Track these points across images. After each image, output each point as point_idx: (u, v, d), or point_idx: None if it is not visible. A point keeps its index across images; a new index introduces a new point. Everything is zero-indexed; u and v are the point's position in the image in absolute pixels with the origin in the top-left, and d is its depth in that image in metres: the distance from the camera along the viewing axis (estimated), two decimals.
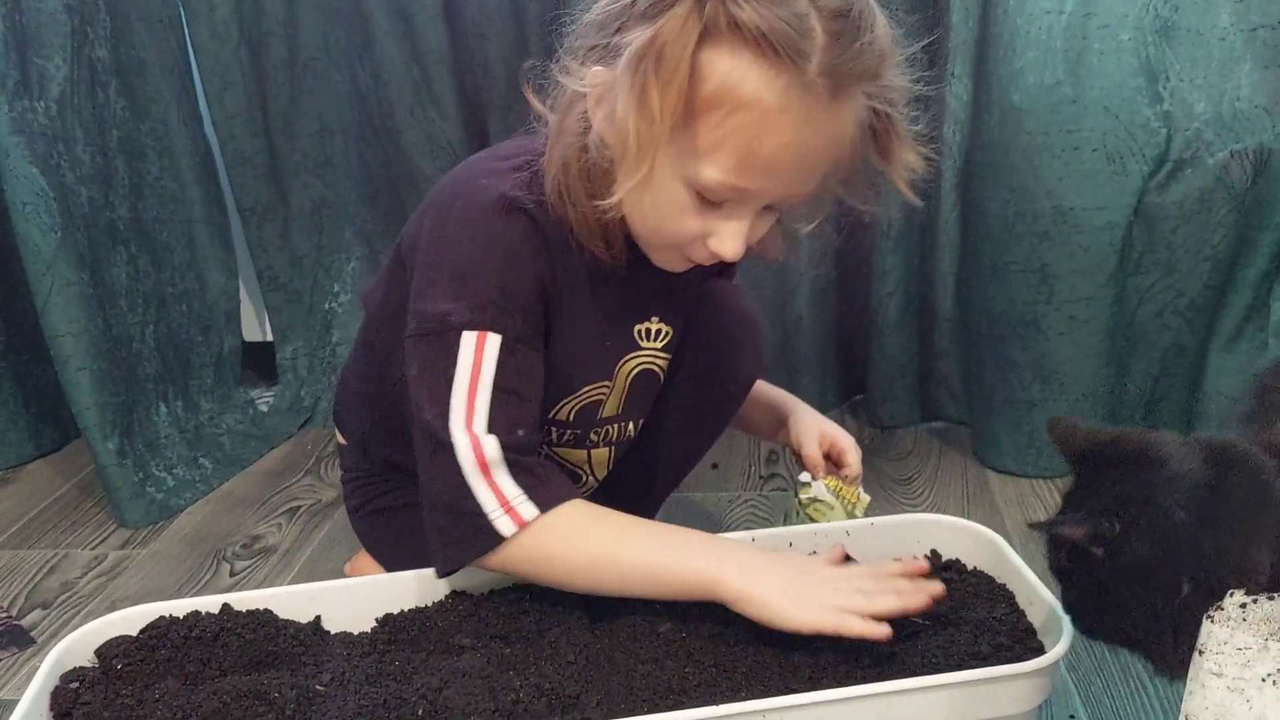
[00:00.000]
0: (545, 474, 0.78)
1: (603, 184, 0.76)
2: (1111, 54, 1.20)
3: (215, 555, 1.28)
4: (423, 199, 0.86)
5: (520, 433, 0.77)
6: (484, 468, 0.75)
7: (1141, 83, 1.21)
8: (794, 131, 0.69)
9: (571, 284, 0.82)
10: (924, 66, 0.76)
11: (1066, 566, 0.63)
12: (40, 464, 1.60)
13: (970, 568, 0.88)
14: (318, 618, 0.83)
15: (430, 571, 0.80)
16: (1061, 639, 0.69)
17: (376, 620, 0.83)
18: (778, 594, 0.72)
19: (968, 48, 1.32)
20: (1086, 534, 0.59)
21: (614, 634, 0.78)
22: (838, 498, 0.97)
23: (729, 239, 0.76)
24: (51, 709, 0.72)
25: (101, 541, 1.33)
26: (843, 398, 1.69)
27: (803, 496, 0.98)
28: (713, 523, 1.30)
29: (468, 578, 0.83)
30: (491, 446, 0.75)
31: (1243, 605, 0.52)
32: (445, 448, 0.75)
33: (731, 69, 0.68)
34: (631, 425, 0.95)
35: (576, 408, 0.89)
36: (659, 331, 0.91)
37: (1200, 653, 0.52)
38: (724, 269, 0.86)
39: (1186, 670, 0.58)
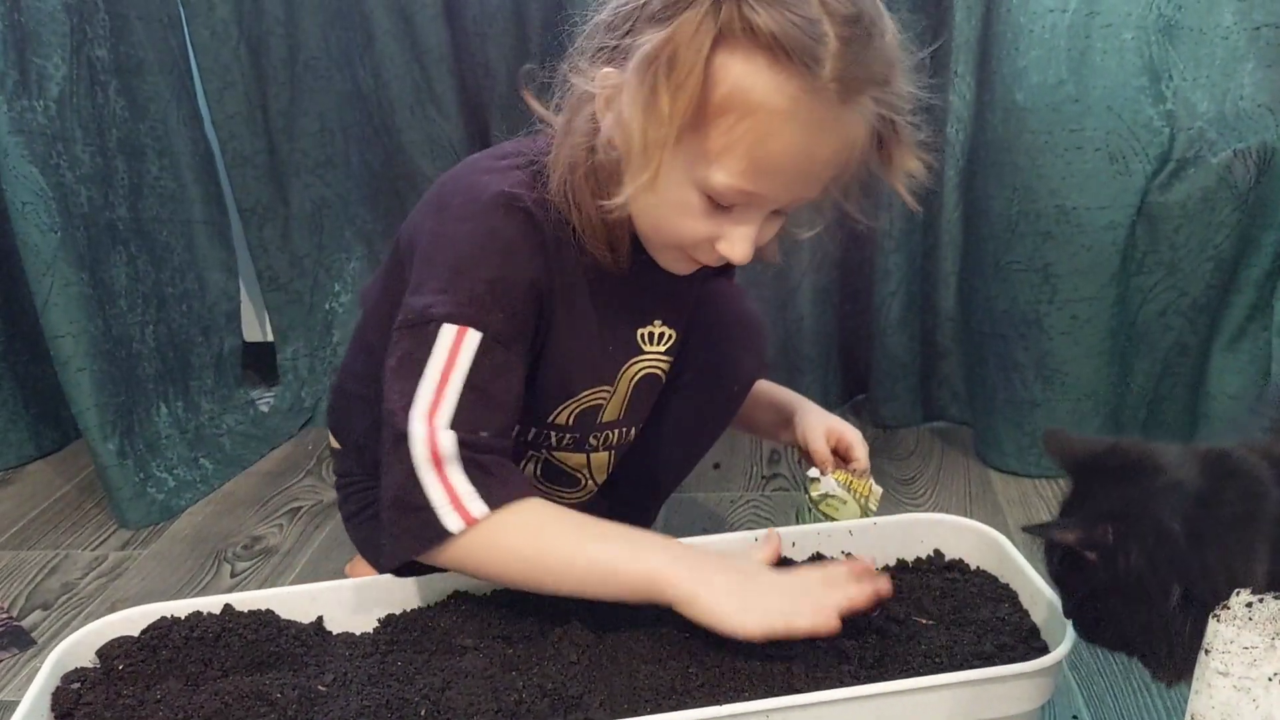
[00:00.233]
0: (501, 472, 0.76)
1: (609, 185, 0.76)
2: (1115, 53, 1.20)
3: (216, 556, 1.27)
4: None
5: (483, 434, 0.75)
6: (437, 462, 0.73)
7: (1145, 82, 1.21)
8: (805, 136, 0.69)
9: (571, 286, 0.81)
10: (929, 73, 0.76)
11: (1061, 572, 0.63)
12: (41, 465, 1.59)
13: (974, 567, 0.88)
14: (320, 618, 0.83)
15: (434, 573, 0.80)
16: (1064, 639, 0.69)
17: (379, 621, 0.83)
18: (724, 598, 0.71)
19: (970, 47, 1.32)
20: (1079, 539, 0.59)
21: (617, 634, 0.77)
22: (849, 491, 0.97)
23: (738, 243, 0.76)
24: (53, 710, 0.72)
25: (102, 542, 1.32)
26: (845, 397, 1.68)
27: (814, 493, 0.98)
28: (715, 523, 1.30)
29: (469, 578, 0.83)
30: (448, 441, 0.74)
31: (1249, 604, 0.52)
32: (403, 438, 0.74)
33: (745, 73, 0.68)
34: (631, 430, 0.94)
35: (576, 411, 0.88)
36: (661, 335, 0.90)
37: (1206, 652, 0.51)
38: (724, 268, 0.86)
39: (1182, 677, 0.58)
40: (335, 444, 1.06)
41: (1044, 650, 0.73)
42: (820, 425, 1.02)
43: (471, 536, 0.74)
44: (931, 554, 0.89)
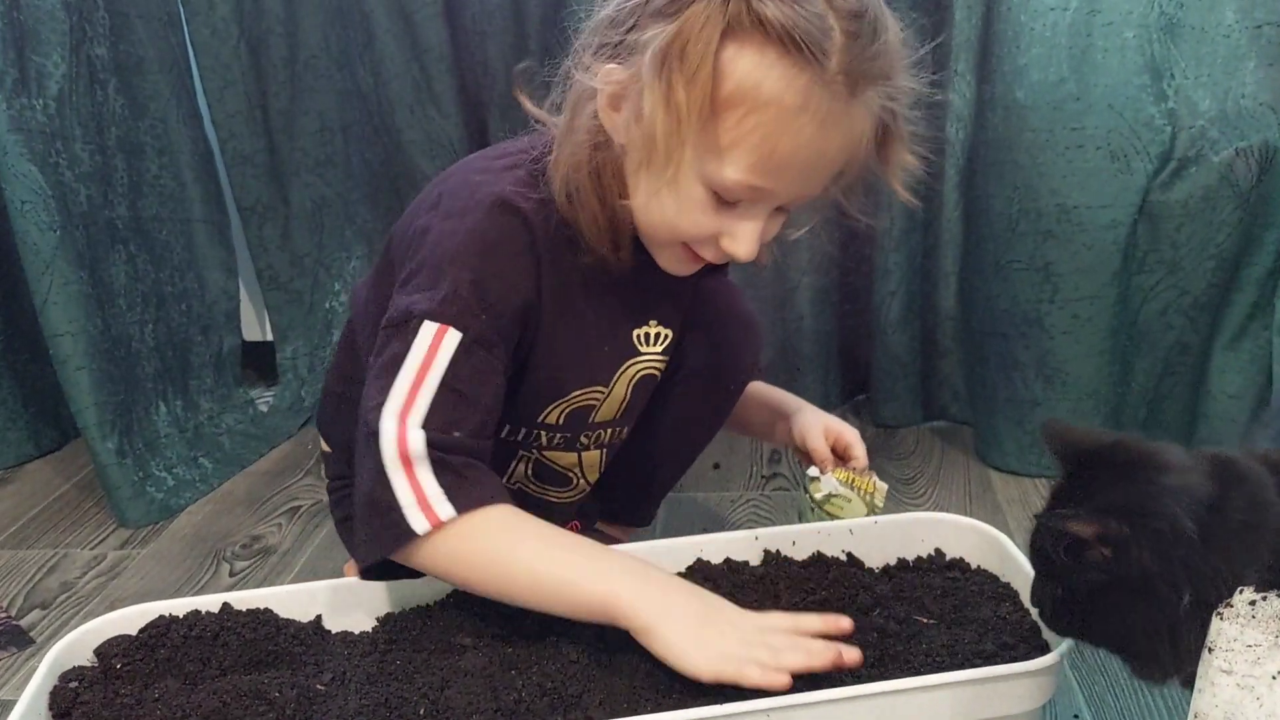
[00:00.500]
0: (471, 475, 0.74)
1: (614, 183, 0.76)
2: (1116, 51, 1.20)
3: (215, 555, 1.27)
4: None
5: (456, 434, 0.74)
6: (406, 461, 0.72)
7: (1146, 80, 1.20)
8: (814, 131, 0.69)
9: (567, 286, 0.81)
10: (930, 69, 0.75)
11: (1062, 562, 0.62)
12: (40, 464, 1.59)
13: (974, 566, 0.87)
14: (318, 617, 0.82)
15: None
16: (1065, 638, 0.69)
17: (377, 620, 0.83)
18: (680, 635, 0.69)
19: (971, 45, 1.32)
20: (1096, 533, 0.58)
21: (617, 634, 0.77)
22: (852, 489, 0.96)
23: (743, 239, 0.75)
24: (50, 708, 0.71)
25: (101, 541, 1.32)
26: (845, 397, 1.68)
27: (816, 494, 0.97)
28: (715, 523, 1.30)
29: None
30: (418, 441, 0.72)
31: (1252, 602, 0.52)
32: (374, 436, 0.73)
33: (755, 66, 0.67)
34: (624, 429, 0.94)
35: (566, 411, 0.87)
36: (658, 335, 0.90)
37: (1210, 650, 0.51)
38: (718, 266, 0.86)
39: (1170, 676, 0.58)
40: (326, 447, 1.06)
41: (1045, 649, 0.73)
42: (818, 424, 1.01)
43: (437, 539, 0.72)
44: (932, 553, 0.89)
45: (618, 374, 0.88)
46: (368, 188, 1.68)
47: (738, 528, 1.25)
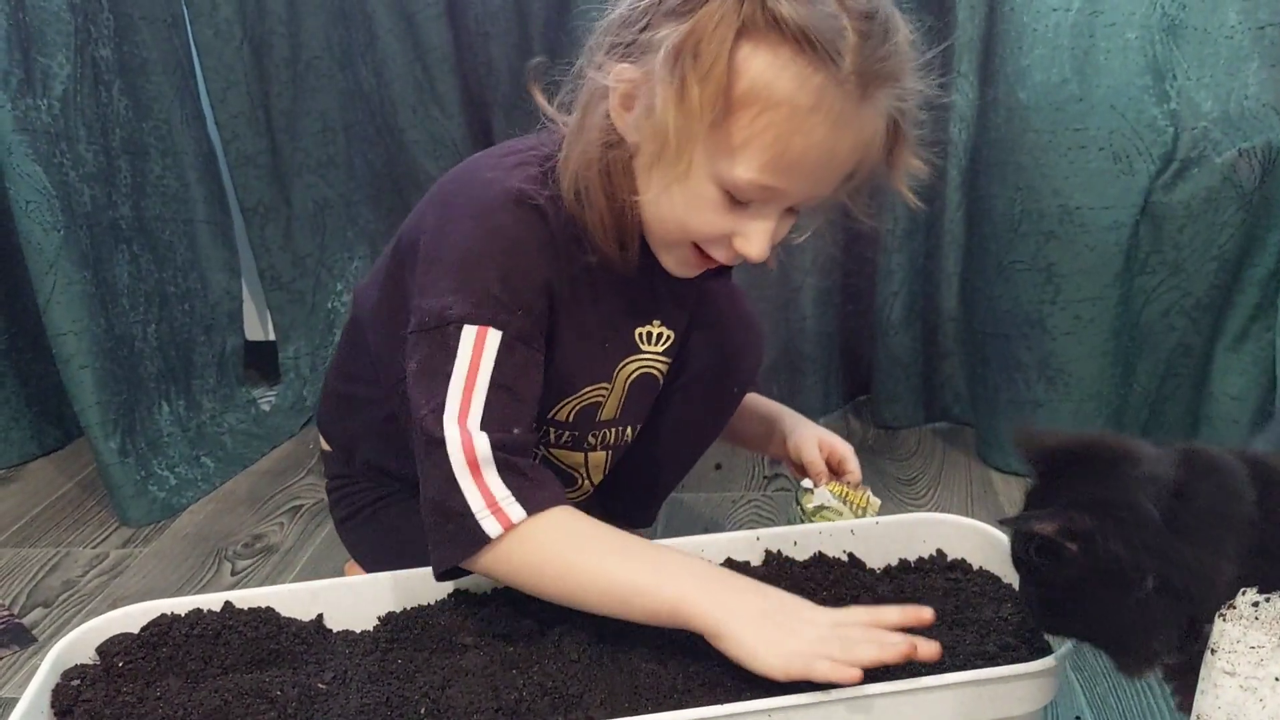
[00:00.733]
0: (536, 476, 0.75)
1: (624, 182, 0.76)
2: (1118, 52, 1.19)
3: (217, 554, 1.27)
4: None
5: (515, 431, 0.75)
6: (474, 466, 0.73)
7: (1148, 81, 1.20)
8: (828, 131, 0.69)
9: (575, 283, 0.81)
10: (937, 72, 0.76)
11: (1036, 562, 0.62)
12: (42, 462, 1.60)
13: (976, 567, 0.87)
14: (320, 616, 0.83)
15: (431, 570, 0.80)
16: (1067, 639, 0.69)
17: (379, 619, 0.83)
18: (751, 636, 0.68)
19: (974, 46, 1.32)
20: (1059, 529, 0.58)
21: (617, 633, 0.77)
22: (844, 503, 0.96)
23: (755, 239, 0.75)
24: (52, 706, 0.71)
25: (103, 540, 1.32)
26: (847, 398, 1.68)
27: (808, 505, 0.97)
28: (716, 523, 1.30)
29: (470, 577, 0.82)
30: (483, 444, 0.73)
31: (1255, 604, 0.52)
32: (438, 444, 0.73)
33: (768, 65, 0.68)
34: (629, 430, 0.94)
35: (577, 408, 0.88)
36: (660, 335, 0.90)
37: (1213, 651, 0.51)
38: (722, 268, 0.86)
39: (1148, 668, 0.58)
40: (325, 446, 1.06)
41: (1046, 651, 0.73)
42: (812, 437, 1.01)
43: (507, 542, 0.73)
44: (934, 554, 0.89)
45: (617, 370, 0.88)
46: (370, 188, 1.68)
47: (739, 528, 1.26)
